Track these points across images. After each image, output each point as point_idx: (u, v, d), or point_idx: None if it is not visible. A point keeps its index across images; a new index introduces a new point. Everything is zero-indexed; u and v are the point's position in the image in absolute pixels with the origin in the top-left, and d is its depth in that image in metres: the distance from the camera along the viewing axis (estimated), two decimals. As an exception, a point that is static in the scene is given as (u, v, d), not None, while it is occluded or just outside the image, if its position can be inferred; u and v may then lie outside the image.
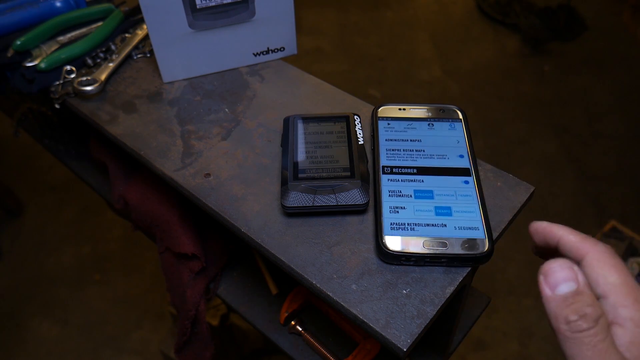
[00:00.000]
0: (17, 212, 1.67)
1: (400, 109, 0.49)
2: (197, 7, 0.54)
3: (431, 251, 0.38)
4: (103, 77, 0.58)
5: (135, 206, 0.63)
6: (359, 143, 0.47)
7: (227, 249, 0.62)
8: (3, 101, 0.82)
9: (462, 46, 2.28)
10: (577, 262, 0.28)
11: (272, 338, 0.58)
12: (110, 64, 0.60)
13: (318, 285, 0.39)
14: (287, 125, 0.50)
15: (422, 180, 0.43)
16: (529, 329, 1.36)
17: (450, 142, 0.46)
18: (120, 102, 0.57)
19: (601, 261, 0.27)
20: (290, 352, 0.57)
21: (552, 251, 0.31)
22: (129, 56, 0.62)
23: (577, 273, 0.26)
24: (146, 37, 0.64)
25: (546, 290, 0.26)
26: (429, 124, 0.48)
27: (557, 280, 0.26)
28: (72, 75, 0.59)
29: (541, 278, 0.27)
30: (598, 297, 0.27)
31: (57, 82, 0.58)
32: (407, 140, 0.46)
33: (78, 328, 1.40)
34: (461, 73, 2.14)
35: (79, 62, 0.60)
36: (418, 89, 2.08)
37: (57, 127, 0.79)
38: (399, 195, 0.42)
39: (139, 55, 0.63)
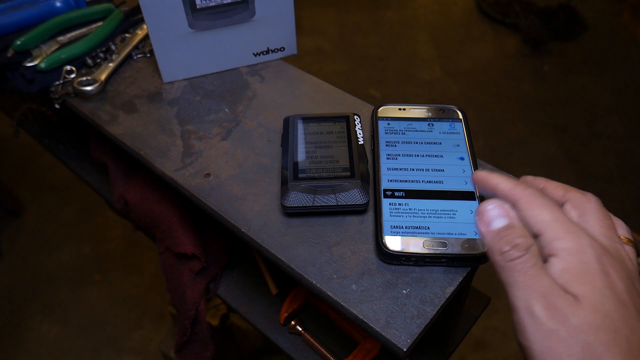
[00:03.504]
0: (17, 212, 1.67)
1: (400, 109, 0.49)
2: (197, 7, 0.54)
3: (431, 251, 0.38)
4: (103, 77, 0.58)
5: (135, 206, 0.63)
6: (359, 143, 0.47)
7: (227, 249, 0.62)
8: (3, 101, 0.82)
9: (462, 46, 2.28)
10: (513, 206, 0.30)
11: (272, 338, 0.58)
12: (110, 64, 0.60)
13: (318, 285, 0.39)
14: (287, 125, 0.50)
15: (422, 181, 0.43)
16: (529, 329, 1.35)
17: (450, 142, 0.46)
18: (120, 102, 0.57)
19: (532, 202, 0.29)
20: (290, 352, 0.57)
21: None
22: (129, 56, 0.62)
23: (508, 210, 0.29)
24: (146, 37, 0.64)
25: (482, 227, 0.29)
26: (429, 124, 0.48)
27: (491, 217, 0.29)
28: (72, 75, 0.59)
29: (477, 218, 0.30)
30: (535, 236, 0.29)
31: (57, 82, 0.58)
32: (407, 140, 0.46)
33: (78, 328, 1.40)
34: (461, 73, 2.14)
35: (79, 62, 0.60)
36: (418, 89, 2.08)
37: (57, 127, 0.79)
38: (399, 196, 0.42)
39: (139, 55, 0.63)
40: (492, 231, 0.29)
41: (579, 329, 0.25)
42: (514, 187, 0.30)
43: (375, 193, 0.43)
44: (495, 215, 0.29)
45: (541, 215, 0.29)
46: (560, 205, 0.32)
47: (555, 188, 0.33)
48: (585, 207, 0.31)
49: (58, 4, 0.64)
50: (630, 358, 0.25)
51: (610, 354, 0.25)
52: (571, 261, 0.27)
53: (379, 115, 0.49)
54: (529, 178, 0.34)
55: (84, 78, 0.57)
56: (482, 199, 0.41)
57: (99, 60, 0.61)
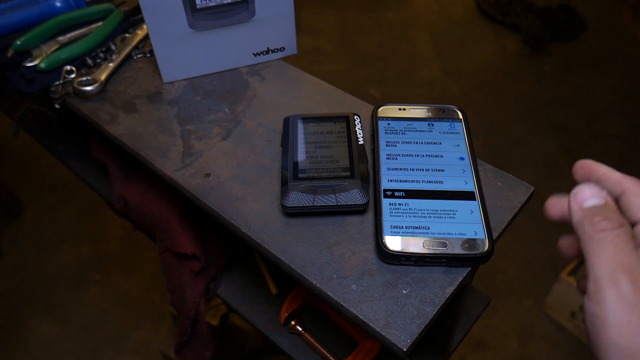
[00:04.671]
0: (17, 212, 1.67)
1: (400, 109, 0.49)
2: (197, 7, 0.54)
3: (431, 251, 0.38)
4: (103, 77, 0.58)
5: (135, 206, 0.63)
6: (359, 143, 0.47)
7: (227, 249, 0.62)
8: (3, 101, 0.82)
9: (462, 46, 2.28)
10: (617, 196, 0.30)
11: (272, 338, 0.58)
12: (110, 64, 0.60)
13: (318, 285, 0.39)
14: (287, 125, 0.50)
15: (422, 181, 0.43)
16: (529, 329, 1.36)
17: (450, 142, 0.46)
18: (120, 102, 0.57)
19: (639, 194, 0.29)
20: (290, 352, 0.57)
21: (568, 221, 0.33)
22: (129, 56, 0.62)
23: (604, 193, 0.29)
24: (146, 37, 0.64)
25: (574, 204, 0.29)
26: (429, 124, 0.48)
27: (585, 196, 0.29)
28: (72, 75, 0.59)
29: (571, 198, 0.29)
30: (634, 224, 0.29)
31: (57, 82, 0.58)
32: (407, 140, 0.46)
33: (78, 328, 1.40)
34: (461, 73, 2.14)
35: (79, 62, 0.60)
36: (418, 89, 2.08)
37: (57, 127, 0.79)
38: (399, 196, 0.42)
39: (139, 55, 0.63)
40: (584, 208, 0.28)
41: None
42: (623, 176, 0.30)
43: (375, 193, 0.43)
44: (590, 194, 0.29)
45: None
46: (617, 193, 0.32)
47: (614, 175, 0.32)
48: None
49: (58, 4, 0.64)
50: None
51: None
52: None
53: (379, 115, 0.49)
54: (589, 161, 0.34)
55: (84, 78, 0.57)
56: (482, 199, 0.41)
57: (99, 60, 0.61)
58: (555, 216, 0.33)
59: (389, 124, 0.48)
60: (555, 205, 0.33)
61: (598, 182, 0.32)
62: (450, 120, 0.48)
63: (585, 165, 0.33)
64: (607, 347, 0.26)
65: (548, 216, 0.34)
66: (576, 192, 0.29)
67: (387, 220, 0.40)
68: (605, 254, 0.27)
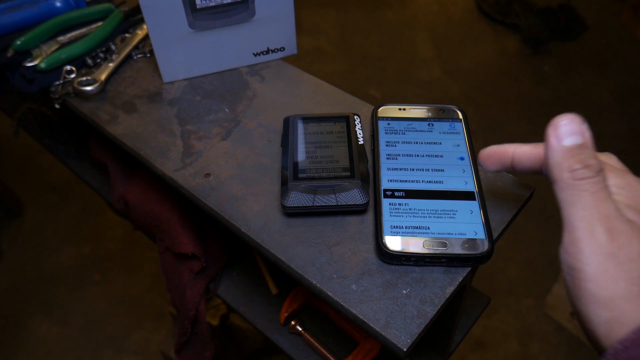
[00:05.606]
0: (17, 212, 1.67)
1: (400, 109, 0.49)
2: (197, 7, 0.54)
3: (431, 251, 0.38)
4: (103, 77, 0.58)
5: (135, 206, 0.63)
6: (359, 143, 0.47)
7: (227, 249, 0.62)
8: (3, 101, 0.82)
9: (462, 46, 2.28)
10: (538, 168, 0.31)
11: (272, 338, 0.58)
12: (110, 64, 0.60)
13: (318, 285, 0.39)
14: (287, 125, 0.50)
15: (422, 181, 0.43)
16: (529, 329, 1.36)
17: (450, 142, 0.46)
18: (120, 102, 0.57)
19: None
20: (290, 352, 0.57)
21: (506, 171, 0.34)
22: (129, 56, 0.62)
23: (584, 129, 0.28)
24: (146, 37, 0.64)
25: (553, 140, 0.28)
26: (429, 124, 0.48)
27: (565, 132, 0.28)
28: (72, 75, 0.59)
29: (550, 129, 0.28)
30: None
31: (57, 82, 0.58)
32: (407, 140, 0.46)
33: (78, 328, 1.40)
34: (461, 73, 2.14)
35: (79, 62, 0.60)
36: (418, 89, 2.08)
37: (57, 127, 0.79)
38: (399, 196, 0.42)
39: (139, 55, 0.63)
40: (564, 147, 0.28)
41: (639, 255, 0.25)
42: (536, 146, 0.31)
43: (375, 193, 0.43)
44: (570, 131, 0.28)
45: None
46: None
47: None
48: (608, 160, 0.31)
49: (58, 4, 0.64)
50: None
51: None
52: (625, 195, 0.28)
53: (379, 115, 0.49)
54: (493, 147, 0.35)
55: (84, 78, 0.57)
56: (482, 199, 0.41)
57: (99, 60, 0.61)
58: (493, 168, 0.34)
59: (389, 124, 0.48)
60: (493, 157, 0.33)
61: (513, 164, 0.32)
62: (450, 120, 0.48)
63: (493, 154, 0.33)
64: (586, 299, 0.26)
65: (484, 167, 0.34)
66: (556, 124, 0.28)
67: (387, 220, 0.40)
68: (583, 202, 0.27)
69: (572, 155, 0.27)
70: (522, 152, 0.32)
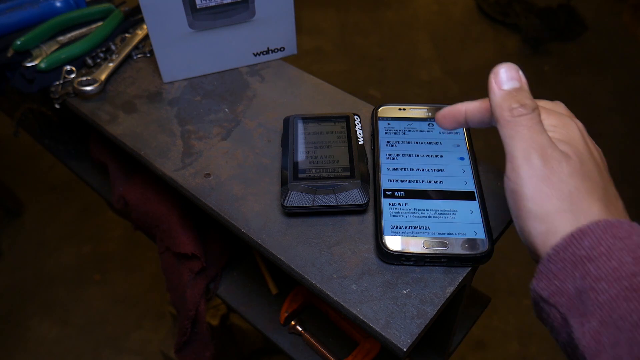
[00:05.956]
0: (17, 212, 1.67)
1: (400, 109, 0.49)
2: (197, 7, 0.54)
3: (431, 251, 0.38)
4: (103, 77, 0.58)
5: (135, 206, 0.63)
6: (359, 143, 0.47)
7: (227, 249, 0.62)
8: (3, 101, 0.82)
9: (462, 46, 2.28)
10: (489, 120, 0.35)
11: (272, 338, 0.58)
12: (110, 64, 0.60)
13: (318, 285, 0.39)
14: (287, 125, 0.50)
15: (422, 181, 0.43)
16: (529, 329, 1.36)
17: (450, 142, 0.46)
18: (120, 102, 0.57)
19: None
20: (290, 352, 0.57)
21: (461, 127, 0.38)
22: (129, 56, 0.62)
23: (521, 75, 0.33)
24: (146, 37, 0.64)
25: (494, 85, 0.33)
26: (429, 124, 0.48)
27: (505, 78, 0.32)
28: (72, 75, 0.59)
29: (492, 76, 0.33)
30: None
31: (57, 82, 0.58)
32: (407, 140, 0.46)
33: (78, 328, 1.40)
34: (461, 73, 2.14)
35: (79, 62, 0.60)
36: (418, 89, 2.08)
37: (57, 127, 0.79)
38: (399, 196, 0.42)
39: (139, 55, 0.63)
40: (504, 90, 0.32)
41: (568, 176, 0.29)
42: (483, 101, 0.35)
43: (375, 193, 0.43)
44: (509, 77, 0.32)
45: None
46: None
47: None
48: (556, 108, 0.35)
49: (58, 4, 0.64)
50: (605, 203, 0.30)
51: (592, 198, 0.29)
52: (559, 131, 0.32)
53: (379, 115, 0.49)
54: (446, 108, 0.38)
55: (84, 78, 0.57)
56: (482, 199, 0.41)
57: (99, 60, 0.61)
58: (449, 127, 0.37)
59: (389, 124, 0.48)
60: (447, 116, 0.37)
61: (467, 120, 0.36)
62: (450, 120, 0.48)
63: (447, 114, 0.37)
64: (525, 215, 0.30)
65: (441, 126, 0.38)
66: (497, 72, 0.33)
67: (387, 220, 0.40)
68: (520, 135, 0.31)
69: (511, 96, 0.32)
70: (473, 108, 0.36)
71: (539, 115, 0.31)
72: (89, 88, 0.56)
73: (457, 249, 0.38)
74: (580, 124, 0.34)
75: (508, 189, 0.32)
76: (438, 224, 0.40)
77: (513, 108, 0.31)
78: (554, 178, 0.29)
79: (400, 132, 0.47)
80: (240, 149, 0.51)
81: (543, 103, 0.35)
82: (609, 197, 0.31)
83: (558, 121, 0.33)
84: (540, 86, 2.07)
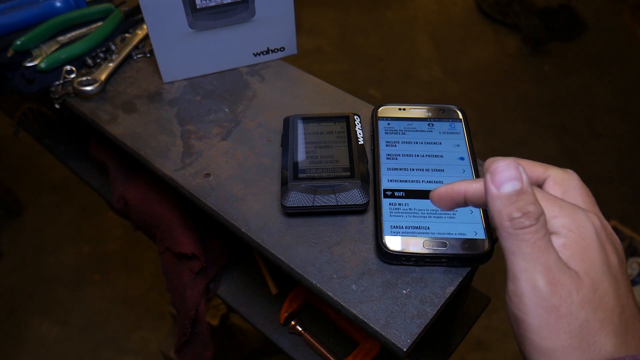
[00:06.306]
0: (17, 212, 1.67)
1: (400, 109, 0.49)
2: (197, 7, 0.54)
3: (431, 251, 0.38)
4: (103, 77, 0.58)
5: (135, 206, 0.63)
6: (359, 143, 0.47)
7: (227, 249, 0.62)
8: (3, 101, 0.82)
9: (462, 46, 2.28)
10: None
11: (272, 338, 0.58)
12: (110, 64, 0.60)
13: (318, 285, 0.39)
14: (287, 125, 0.50)
15: (422, 181, 0.43)
16: (529, 329, 1.35)
17: (450, 142, 0.46)
18: (120, 102, 0.57)
19: None
20: (290, 352, 0.57)
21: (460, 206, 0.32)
22: (129, 56, 0.62)
23: (522, 173, 0.27)
24: (146, 37, 0.64)
25: (492, 188, 0.27)
26: (429, 124, 0.48)
27: (503, 178, 0.27)
28: (72, 75, 0.59)
29: (488, 176, 0.28)
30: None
31: (57, 82, 0.58)
32: (407, 140, 0.46)
33: (78, 328, 1.40)
34: (461, 73, 2.14)
35: (79, 62, 0.60)
36: (418, 89, 2.08)
37: (57, 127, 0.79)
38: (399, 195, 0.42)
39: (139, 55, 0.63)
40: (503, 195, 0.27)
41: (579, 307, 0.25)
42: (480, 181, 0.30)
43: (375, 193, 0.43)
44: (509, 177, 0.27)
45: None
46: (541, 183, 0.31)
47: (534, 166, 0.32)
48: (568, 184, 0.31)
49: (58, 4, 0.64)
50: (621, 333, 0.26)
51: (605, 332, 0.25)
52: (571, 237, 0.27)
53: (379, 115, 0.49)
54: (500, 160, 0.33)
55: (84, 78, 0.57)
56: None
57: (99, 60, 0.61)
58: (447, 209, 0.32)
59: (389, 124, 0.48)
60: (445, 198, 0.31)
61: (467, 202, 0.31)
62: (450, 120, 0.48)
63: (444, 195, 0.31)
64: (528, 346, 0.27)
65: (437, 206, 0.32)
66: (494, 170, 0.27)
67: (387, 220, 0.40)
68: (524, 254, 0.26)
69: (511, 202, 0.27)
70: (473, 190, 0.30)
71: (545, 224, 0.27)
72: (89, 88, 0.56)
73: (457, 249, 0.38)
74: (596, 219, 0.28)
75: (510, 311, 0.28)
76: (438, 224, 0.40)
77: (514, 218, 0.26)
78: (562, 309, 0.25)
79: (400, 132, 0.47)
80: (240, 149, 0.51)
81: (553, 172, 0.31)
82: (626, 324, 0.26)
83: (569, 220, 0.27)
84: (540, 86, 2.07)
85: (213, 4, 0.54)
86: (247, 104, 0.56)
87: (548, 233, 0.27)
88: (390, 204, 0.41)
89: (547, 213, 0.27)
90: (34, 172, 1.80)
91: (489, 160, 0.28)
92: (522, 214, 0.26)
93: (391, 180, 0.43)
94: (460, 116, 0.48)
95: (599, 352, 0.25)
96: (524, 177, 0.27)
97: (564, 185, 0.31)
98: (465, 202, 0.31)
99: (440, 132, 0.47)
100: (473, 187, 0.30)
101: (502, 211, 0.27)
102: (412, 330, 0.36)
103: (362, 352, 0.54)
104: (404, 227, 0.40)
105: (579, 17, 2.26)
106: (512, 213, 0.27)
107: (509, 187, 0.27)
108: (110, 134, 0.53)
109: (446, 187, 0.31)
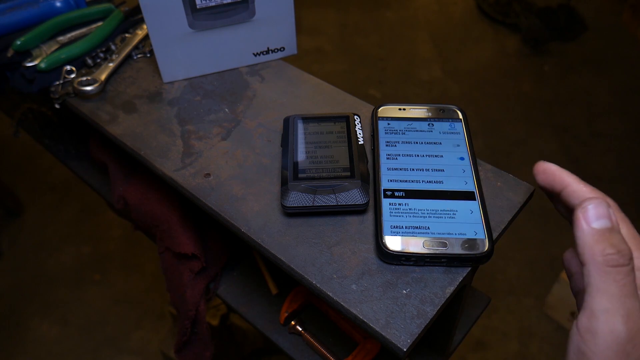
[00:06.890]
0: (17, 212, 1.67)
1: (400, 109, 0.49)
2: (197, 7, 0.54)
3: (431, 251, 0.38)
4: (103, 77, 0.58)
5: (136, 206, 0.63)
6: (359, 143, 0.47)
7: (227, 249, 0.62)
8: (3, 101, 0.82)
9: (462, 46, 2.29)
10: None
11: (272, 338, 0.58)
12: (110, 64, 0.60)
13: (318, 285, 0.39)
14: (287, 125, 0.50)
15: (422, 181, 0.43)
16: (529, 329, 1.36)
17: (450, 142, 0.46)
18: (120, 102, 0.57)
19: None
20: (290, 352, 0.57)
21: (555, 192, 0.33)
22: (129, 56, 0.62)
23: (612, 213, 0.28)
24: (146, 37, 0.64)
25: (582, 222, 0.27)
26: (428, 124, 0.48)
27: (594, 215, 0.27)
28: (72, 75, 0.59)
29: (579, 211, 0.28)
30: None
31: (57, 82, 0.58)
32: (407, 140, 0.46)
33: (78, 328, 1.40)
34: (461, 73, 2.14)
35: (79, 62, 0.60)
36: (418, 89, 2.08)
37: (57, 127, 0.79)
38: (399, 196, 0.42)
39: (139, 55, 0.63)
40: (594, 229, 0.27)
41: None
42: (591, 191, 0.30)
43: (375, 193, 0.43)
44: (600, 214, 0.27)
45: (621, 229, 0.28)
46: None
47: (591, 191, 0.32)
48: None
49: (58, 4, 0.64)
50: None
51: None
52: None
53: (379, 115, 0.49)
54: (553, 167, 0.34)
55: (84, 78, 0.57)
56: (482, 199, 0.41)
57: (99, 60, 0.61)
58: (541, 182, 0.33)
59: (389, 124, 0.48)
60: (548, 175, 0.33)
61: (562, 192, 0.32)
62: (450, 120, 0.48)
63: (549, 172, 0.33)
64: None
65: (535, 175, 0.34)
66: (585, 207, 0.28)
67: (387, 220, 0.40)
68: (610, 293, 0.26)
69: (604, 238, 0.27)
70: (573, 190, 0.31)
71: (633, 268, 0.27)
72: (89, 88, 0.56)
73: (457, 249, 0.38)
74: None
75: (575, 345, 0.27)
76: (438, 224, 0.40)
77: (608, 254, 0.26)
78: (633, 356, 0.25)
79: (400, 132, 0.47)
80: (240, 149, 0.51)
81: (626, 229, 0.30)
82: None
83: None
84: (540, 86, 2.07)
85: (213, 4, 0.54)
86: (247, 104, 0.56)
87: (635, 278, 0.27)
88: (390, 204, 0.41)
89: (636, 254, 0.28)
90: (34, 172, 1.80)
91: (583, 201, 0.28)
92: (616, 250, 0.26)
93: (391, 180, 0.43)
94: (460, 116, 0.48)
95: None
96: (613, 217, 0.28)
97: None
98: (559, 193, 0.32)
99: (440, 132, 0.47)
100: (577, 186, 0.31)
101: (594, 245, 0.27)
102: (412, 330, 0.36)
103: (362, 352, 0.54)
104: (404, 227, 0.40)
105: (579, 17, 2.26)
106: (606, 248, 0.26)
107: (599, 224, 0.27)
108: (110, 134, 0.54)
109: (558, 167, 0.32)
